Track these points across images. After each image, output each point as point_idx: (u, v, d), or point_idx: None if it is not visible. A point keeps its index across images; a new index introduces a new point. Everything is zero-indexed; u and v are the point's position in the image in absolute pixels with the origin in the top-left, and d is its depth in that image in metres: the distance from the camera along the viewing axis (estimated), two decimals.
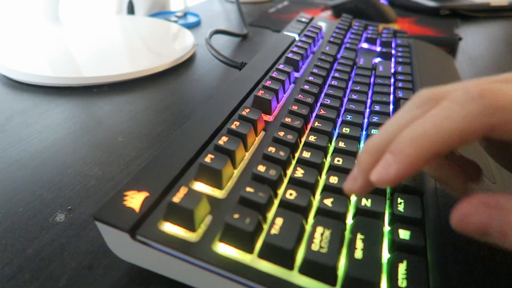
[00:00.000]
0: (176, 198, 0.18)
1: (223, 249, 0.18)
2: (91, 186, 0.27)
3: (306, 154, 0.24)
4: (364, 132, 0.29)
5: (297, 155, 0.25)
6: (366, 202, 0.21)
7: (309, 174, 0.22)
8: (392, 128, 0.16)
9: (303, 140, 0.26)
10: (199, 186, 0.21)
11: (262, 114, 0.27)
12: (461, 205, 0.15)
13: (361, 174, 0.17)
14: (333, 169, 0.23)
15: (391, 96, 0.34)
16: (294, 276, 0.17)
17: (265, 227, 0.19)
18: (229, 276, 0.17)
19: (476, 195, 0.15)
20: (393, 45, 0.47)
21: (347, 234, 0.19)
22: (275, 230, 0.18)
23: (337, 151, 0.25)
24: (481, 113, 0.14)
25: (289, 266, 0.17)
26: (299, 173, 0.22)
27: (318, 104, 0.31)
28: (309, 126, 0.28)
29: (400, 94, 0.33)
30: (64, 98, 0.38)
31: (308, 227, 0.19)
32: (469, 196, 0.15)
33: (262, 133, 0.27)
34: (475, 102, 0.14)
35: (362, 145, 0.27)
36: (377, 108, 0.31)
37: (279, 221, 0.18)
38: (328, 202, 0.20)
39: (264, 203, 0.19)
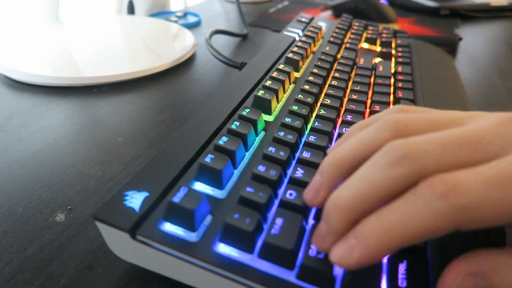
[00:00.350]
0: (176, 198, 0.18)
1: (223, 249, 0.18)
2: (91, 186, 0.27)
3: (306, 154, 0.24)
4: None
5: (297, 155, 0.25)
6: None
7: (309, 174, 0.22)
8: (364, 188, 0.16)
9: (303, 140, 0.26)
10: (199, 186, 0.21)
11: (262, 114, 0.27)
12: (446, 281, 0.15)
13: (331, 234, 0.16)
14: None
15: (391, 96, 0.34)
16: (294, 276, 0.17)
17: (265, 227, 0.19)
18: (229, 276, 0.17)
19: (459, 263, 0.15)
20: (393, 45, 0.47)
21: None
22: (275, 230, 0.18)
23: None
24: (446, 214, 0.14)
25: (289, 266, 0.17)
26: (299, 173, 0.22)
27: (318, 104, 0.31)
28: (309, 126, 0.28)
29: (400, 94, 0.33)
30: (64, 98, 0.38)
31: (308, 227, 0.19)
32: (452, 265, 0.15)
33: (262, 133, 0.27)
34: (440, 202, 0.14)
35: None
36: (377, 108, 0.31)
37: (279, 221, 0.18)
38: None
39: (264, 203, 0.19)
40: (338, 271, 0.17)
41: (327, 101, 0.30)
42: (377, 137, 0.18)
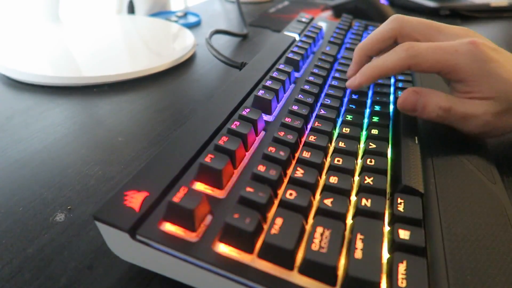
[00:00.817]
0: (176, 198, 0.18)
1: (223, 249, 0.18)
2: (91, 186, 0.27)
3: (306, 154, 0.24)
4: (364, 132, 0.29)
5: (297, 155, 0.25)
6: (366, 202, 0.21)
7: (309, 174, 0.22)
8: (370, 37, 0.31)
9: (303, 140, 0.26)
10: (199, 186, 0.21)
11: (262, 114, 0.27)
12: (402, 94, 0.28)
13: (353, 64, 0.32)
14: (333, 169, 0.23)
15: (391, 96, 0.34)
16: (294, 276, 0.17)
17: (265, 227, 0.19)
18: (229, 276, 0.17)
19: (410, 87, 0.28)
20: None
21: (347, 234, 0.19)
22: (275, 230, 0.18)
23: (337, 151, 0.25)
24: (405, 58, 0.27)
25: (289, 266, 0.17)
26: (299, 173, 0.22)
27: (318, 104, 0.31)
28: (309, 126, 0.28)
29: (400, 94, 0.33)
30: (64, 97, 0.38)
31: (308, 227, 0.19)
32: (406, 89, 0.28)
33: (262, 133, 0.27)
34: (403, 52, 0.27)
35: (362, 145, 0.27)
36: (377, 108, 0.31)
37: (279, 221, 0.18)
38: (328, 202, 0.20)
39: (264, 203, 0.19)
40: (340, 267, 0.17)
41: (327, 101, 0.30)
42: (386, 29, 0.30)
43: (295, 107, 0.28)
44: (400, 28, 0.29)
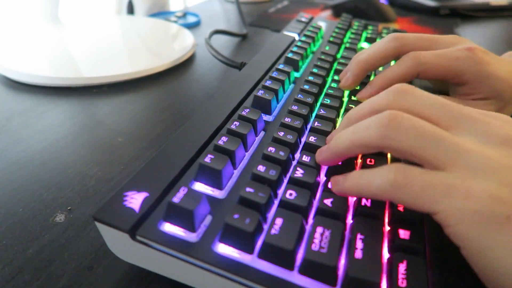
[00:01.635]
0: (176, 198, 0.18)
1: (223, 249, 0.18)
2: (91, 186, 0.27)
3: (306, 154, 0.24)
4: None
5: (297, 155, 0.25)
6: (366, 202, 0.21)
7: (309, 174, 0.22)
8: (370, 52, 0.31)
9: (303, 140, 0.26)
10: (199, 186, 0.21)
11: (262, 114, 0.27)
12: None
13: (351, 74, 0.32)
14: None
15: None
16: (294, 276, 0.17)
17: (265, 227, 0.19)
18: (229, 276, 0.17)
19: None
20: None
21: (347, 234, 0.19)
22: (275, 230, 0.18)
23: None
24: (413, 66, 0.29)
25: (289, 266, 0.17)
26: (299, 173, 0.22)
27: (318, 104, 0.31)
28: (309, 126, 0.28)
29: None
30: (64, 98, 0.38)
31: (308, 227, 0.19)
32: None
33: (262, 133, 0.27)
34: (411, 61, 0.28)
35: None
36: None
37: (279, 221, 0.18)
38: (328, 202, 0.20)
39: (264, 203, 0.19)
40: (340, 267, 0.17)
41: (327, 101, 0.30)
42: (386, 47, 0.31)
43: (294, 107, 0.28)
44: (402, 45, 0.30)
